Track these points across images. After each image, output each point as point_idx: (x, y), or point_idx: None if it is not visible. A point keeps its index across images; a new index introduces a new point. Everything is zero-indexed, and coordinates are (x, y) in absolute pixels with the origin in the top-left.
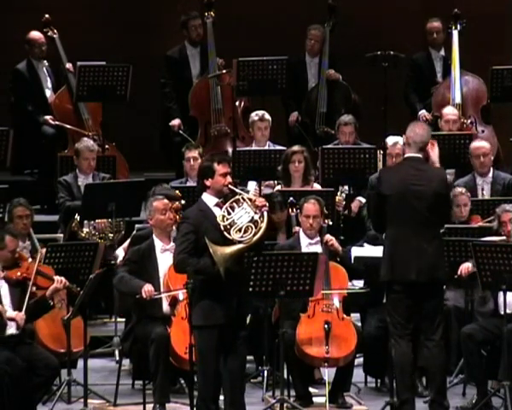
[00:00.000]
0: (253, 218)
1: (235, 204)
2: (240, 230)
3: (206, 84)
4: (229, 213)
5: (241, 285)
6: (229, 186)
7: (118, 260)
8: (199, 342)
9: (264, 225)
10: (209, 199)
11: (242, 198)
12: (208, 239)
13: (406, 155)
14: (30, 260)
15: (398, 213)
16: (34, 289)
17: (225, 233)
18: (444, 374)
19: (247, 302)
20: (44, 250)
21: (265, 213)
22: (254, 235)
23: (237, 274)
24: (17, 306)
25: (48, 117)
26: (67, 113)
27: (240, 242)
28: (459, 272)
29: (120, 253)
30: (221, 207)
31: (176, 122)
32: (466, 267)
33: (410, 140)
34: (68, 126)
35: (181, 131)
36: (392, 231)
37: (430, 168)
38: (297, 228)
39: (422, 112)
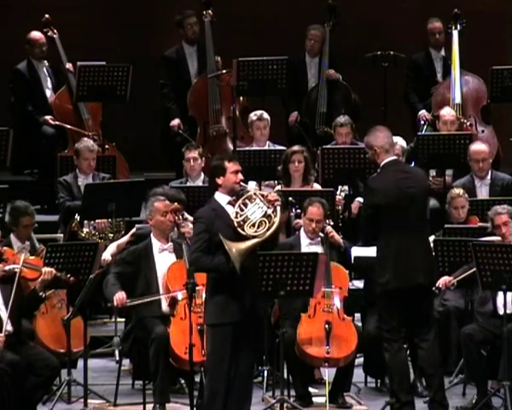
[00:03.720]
0: (266, 212)
1: (247, 201)
2: (253, 225)
3: (204, 84)
4: (242, 210)
5: (254, 281)
6: (241, 184)
7: (104, 256)
8: (212, 341)
9: (277, 220)
10: (221, 198)
11: (255, 194)
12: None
13: (386, 161)
14: (17, 254)
15: (397, 219)
16: (31, 284)
17: (239, 229)
18: (441, 373)
19: (261, 299)
20: (28, 243)
21: (278, 208)
22: (268, 229)
23: (251, 270)
24: (8, 301)
25: (48, 117)
26: (67, 113)
27: (254, 237)
28: (437, 284)
29: (111, 248)
30: (234, 206)
31: (175, 122)
32: (443, 280)
33: (387, 145)
34: (68, 126)
35: (181, 131)
36: (391, 239)
37: (411, 167)
38: (298, 220)
39: (422, 112)
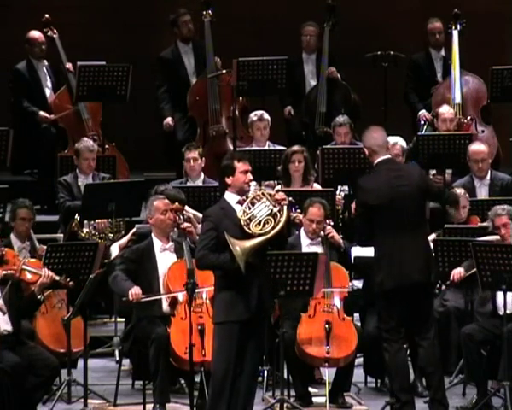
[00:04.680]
0: (272, 211)
1: (255, 200)
2: (259, 223)
3: (203, 84)
4: (249, 209)
5: (263, 280)
6: (251, 183)
7: (111, 258)
8: (218, 339)
9: (283, 219)
10: (231, 197)
11: (262, 193)
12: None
13: (379, 159)
14: (17, 256)
15: (391, 219)
16: (32, 285)
17: (245, 228)
18: (441, 371)
19: (268, 297)
20: (29, 243)
21: (285, 207)
22: (274, 228)
23: (259, 268)
24: (7, 303)
25: (43, 113)
26: (67, 113)
27: (259, 235)
28: (451, 278)
29: (115, 249)
30: (243, 205)
31: (166, 121)
32: (458, 273)
33: (375, 147)
34: (62, 125)
35: (172, 127)
36: (386, 238)
37: (405, 166)
38: (298, 214)
39: (422, 112)
